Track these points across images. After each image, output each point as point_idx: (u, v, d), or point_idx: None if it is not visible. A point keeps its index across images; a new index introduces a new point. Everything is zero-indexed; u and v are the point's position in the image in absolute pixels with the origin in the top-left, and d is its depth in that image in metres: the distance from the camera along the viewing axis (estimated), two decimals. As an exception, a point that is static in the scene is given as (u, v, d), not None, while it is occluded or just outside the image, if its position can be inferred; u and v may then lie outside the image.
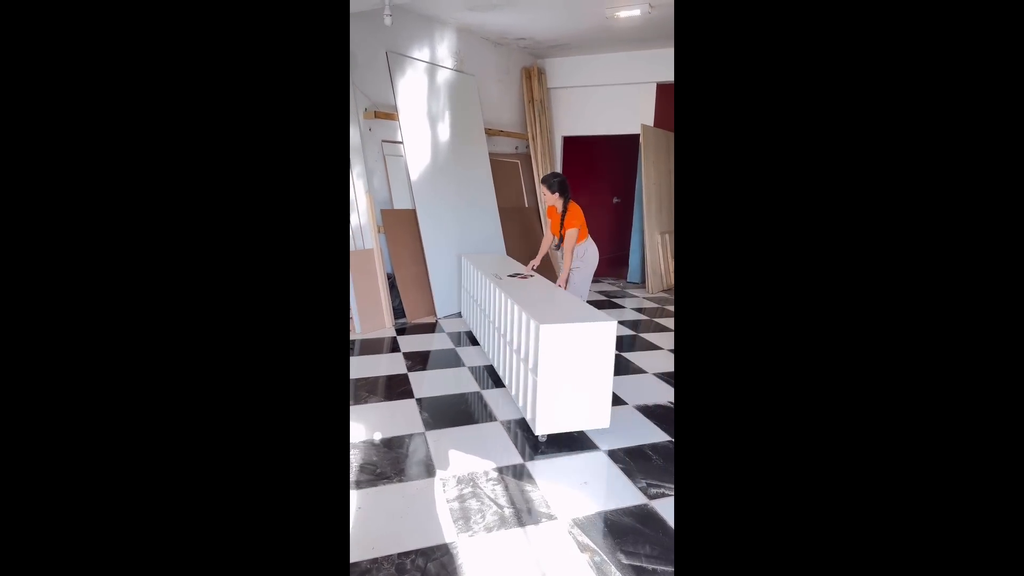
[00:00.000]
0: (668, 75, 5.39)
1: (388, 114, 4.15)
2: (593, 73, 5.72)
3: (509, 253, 5.08)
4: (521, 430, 2.44)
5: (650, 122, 5.57)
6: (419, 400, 2.73)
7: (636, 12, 4.12)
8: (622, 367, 3.32)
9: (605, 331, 2.26)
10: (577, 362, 2.24)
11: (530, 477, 2.06)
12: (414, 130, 4.22)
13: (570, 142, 6.24)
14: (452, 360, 3.35)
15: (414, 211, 4.21)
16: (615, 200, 7.47)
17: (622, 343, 3.82)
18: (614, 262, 7.16)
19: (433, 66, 4.49)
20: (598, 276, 6.05)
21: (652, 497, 1.95)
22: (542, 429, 2.26)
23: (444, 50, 4.67)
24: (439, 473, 2.06)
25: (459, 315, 4.34)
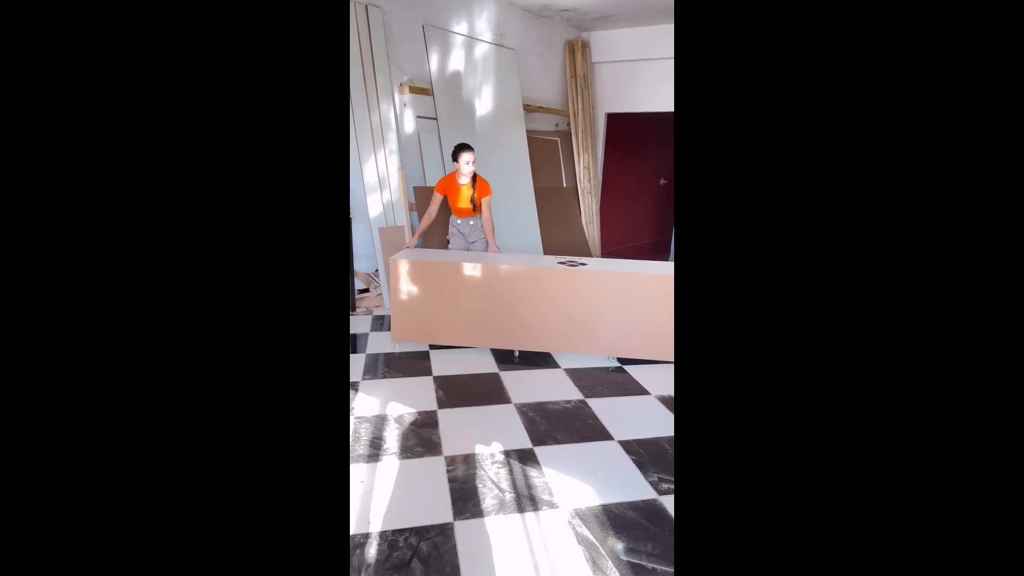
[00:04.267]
0: (721, 47, 5.05)
1: (423, 89, 4.11)
2: (640, 46, 5.44)
3: (544, 235, 4.98)
4: (535, 414, 2.39)
5: (700, 98, 5.26)
6: (436, 378, 2.72)
7: (686, -22, 3.84)
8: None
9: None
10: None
11: (536, 463, 2.01)
12: (449, 106, 4.17)
13: (614, 119, 6.00)
14: (476, 340, 3.33)
15: (447, 189, 4.18)
16: (662, 182, 7.18)
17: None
18: (658, 246, 6.91)
19: (471, 40, 4.40)
20: (640, 259, 5.85)
21: (662, 492, 1.86)
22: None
23: (483, 23, 4.56)
24: (445, 452, 2.05)
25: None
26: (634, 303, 2.90)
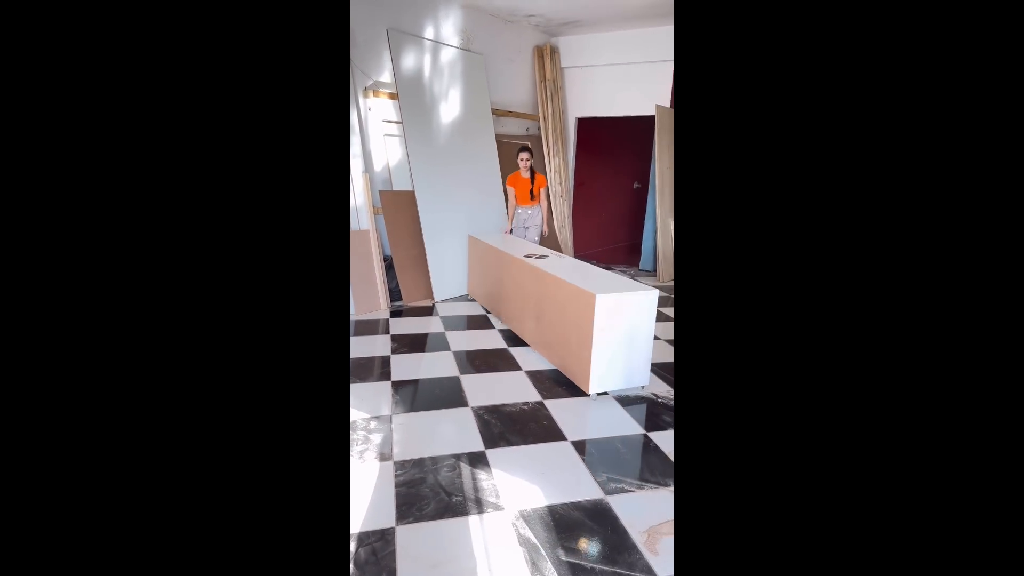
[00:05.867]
0: (687, 52, 5.12)
1: (389, 93, 4.10)
2: (608, 52, 5.49)
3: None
4: (490, 417, 2.38)
5: (667, 102, 5.32)
6: (394, 383, 2.70)
7: (646, -16, 3.90)
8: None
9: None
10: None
11: (487, 466, 2.00)
12: (415, 110, 4.15)
13: (584, 123, 6.04)
14: (439, 344, 3.31)
15: (413, 193, 4.17)
16: (635, 185, 7.23)
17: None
18: (632, 249, 6.95)
19: (437, 44, 4.40)
20: (610, 263, 5.89)
21: (610, 492, 1.86)
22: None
23: (449, 28, 4.56)
24: (395, 458, 2.03)
25: (459, 298, 4.29)
26: (555, 310, 2.91)
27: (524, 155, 4.17)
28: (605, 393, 2.65)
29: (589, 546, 1.59)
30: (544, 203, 4.28)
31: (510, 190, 4.25)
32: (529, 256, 3.35)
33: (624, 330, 2.56)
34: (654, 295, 2.60)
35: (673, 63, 5.26)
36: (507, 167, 5.10)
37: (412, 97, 4.15)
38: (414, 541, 1.59)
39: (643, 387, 2.74)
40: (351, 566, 1.48)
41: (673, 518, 1.73)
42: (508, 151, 5.18)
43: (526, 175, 4.18)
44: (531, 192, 4.21)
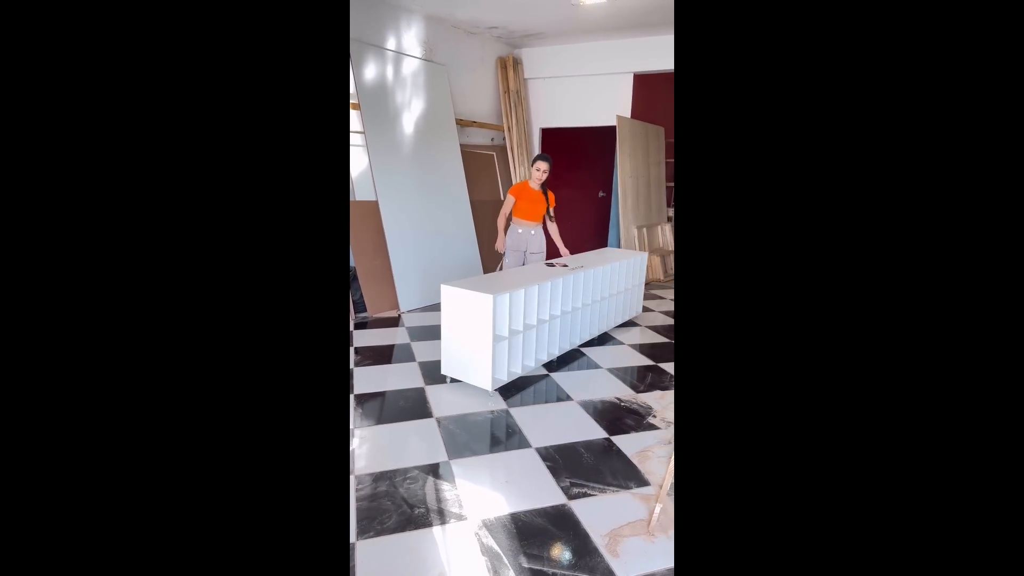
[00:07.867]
0: (645, 65, 5.28)
1: (351, 104, 4.06)
2: (570, 63, 5.61)
3: (482, 246, 4.99)
4: (455, 426, 2.36)
5: (628, 113, 5.46)
6: (357, 396, 2.65)
7: (603, -2, 4.00)
8: (575, 362, 3.23)
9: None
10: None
11: (451, 476, 1.98)
12: (377, 121, 4.14)
13: (549, 134, 6.13)
14: (405, 355, 3.28)
15: (376, 203, 4.14)
16: (600, 195, 7.36)
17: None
18: (597, 257, 7.05)
19: (399, 55, 4.40)
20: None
21: (572, 497, 1.87)
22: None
23: (411, 39, 4.57)
24: (356, 472, 1.99)
25: (426, 308, 4.26)
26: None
27: (543, 165, 3.42)
28: (457, 381, 2.83)
29: (551, 552, 1.60)
30: (554, 225, 3.66)
31: (510, 199, 3.51)
32: (548, 264, 3.47)
33: (467, 328, 2.67)
34: (488, 300, 2.53)
35: (632, 76, 5.40)
36: (474, 177, 5.12)
37: (374, 107, 4.13)
38: (374, 556, 1.56)
39: (489, 392, 2.69)
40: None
41: (633, 520, 1.76)
42: (474, 161, 5.21)
43: (536, 187, 3.51)
44: (548, 210, 3.58)
